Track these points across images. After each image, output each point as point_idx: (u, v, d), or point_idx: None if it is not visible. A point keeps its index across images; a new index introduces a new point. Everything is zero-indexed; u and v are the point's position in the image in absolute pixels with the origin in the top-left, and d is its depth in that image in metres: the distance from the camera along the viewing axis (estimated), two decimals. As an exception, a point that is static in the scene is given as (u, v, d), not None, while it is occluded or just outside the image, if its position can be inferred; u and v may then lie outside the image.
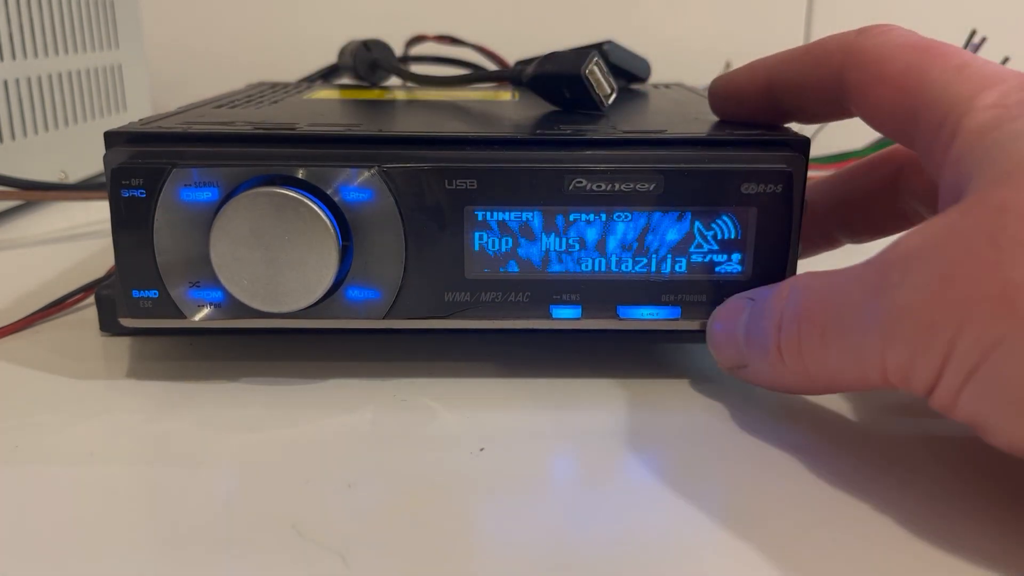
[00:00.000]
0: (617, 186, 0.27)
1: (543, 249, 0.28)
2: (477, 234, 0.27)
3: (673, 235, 0.28)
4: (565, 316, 0.28)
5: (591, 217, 0.27)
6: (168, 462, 0.24)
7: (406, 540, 0.21)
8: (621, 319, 0.28)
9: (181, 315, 0.27)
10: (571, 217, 0.27)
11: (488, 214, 0.27)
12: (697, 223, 0.27)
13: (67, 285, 0.36)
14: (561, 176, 0.27)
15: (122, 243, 0.27)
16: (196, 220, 0.27)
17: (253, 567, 0.20)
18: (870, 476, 0.24)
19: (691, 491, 0.23)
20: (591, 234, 0.27)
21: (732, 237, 0.28)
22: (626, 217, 0.27)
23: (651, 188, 0.27)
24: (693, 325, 0.28)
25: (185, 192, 0.27)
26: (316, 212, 0.26)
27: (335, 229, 0.26)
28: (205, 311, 0.27)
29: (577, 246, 0.28)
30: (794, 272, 0.28)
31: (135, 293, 0.27)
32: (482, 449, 0.25)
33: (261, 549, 0.20)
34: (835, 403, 0.28)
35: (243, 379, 0.29)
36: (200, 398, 0.28)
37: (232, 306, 0.27)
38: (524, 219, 0.27)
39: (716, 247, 0.28)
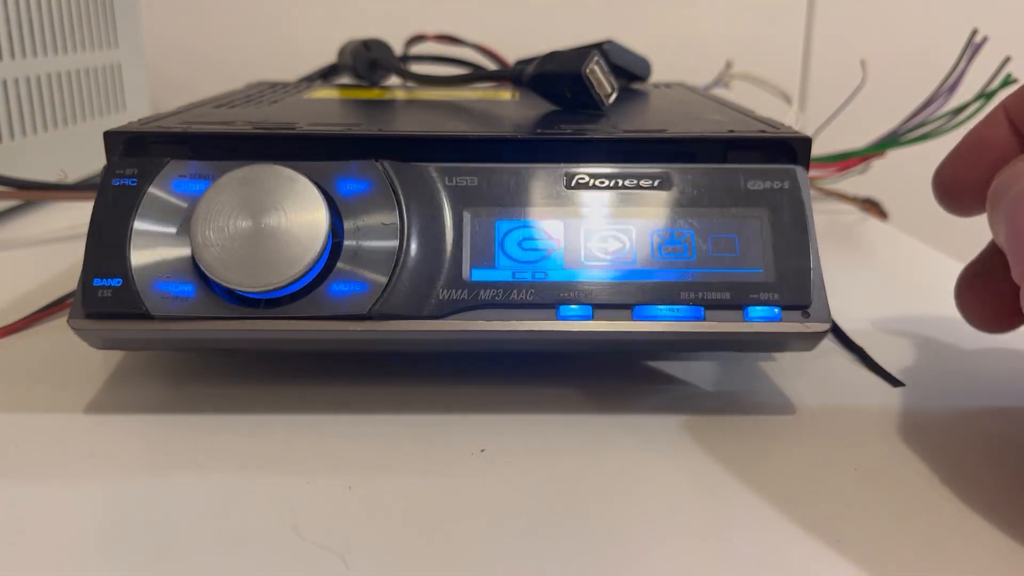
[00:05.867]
0: (621, 182, 0.27)
1: (546, 251, 0.26)
2: (476, 234, 0.26)
3: (683, 233, 0.27)
4: (574, 318, 0.26)
5: (596, 218, 0.27)
6: (169, 463, 0.24)
7: (406, 541, 0.21)
8: (635, 321, 0.26)
9: (143, 307, 0.25)
10: (576, 218, 0.27)
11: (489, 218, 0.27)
12: (706, 220, 0.27)
13: (66, 285, 0.36)
14: (565, 175, 0.26)
15: (98, 229, 0.26)
16: (183, 212, 0.26)
17: (253, 567, 0.20)
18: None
19: (695, 492, 0.23)
20: (597, 235, 0.26)
21: (744, 234, 0.27)
22: (633, 216, 0.27)
23: (656, 184, 0.27)
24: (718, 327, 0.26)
25: (178, 183, 0.26)
26: (310, 185, 0.25)
27: (327, 208, 0.25)
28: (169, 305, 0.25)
29: (582, 249, 0.26)
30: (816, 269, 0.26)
31: (96, 281, 0.25)
32: (482, 450, 0.25)
33: (261, 549, 0.20)
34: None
35: (242, 380, 0.29)
36: (200, 399, 0.28)
37: (201, 302, 0.25)
38: (526, 221, 0.27)
39: (732, 250, 0.26)
